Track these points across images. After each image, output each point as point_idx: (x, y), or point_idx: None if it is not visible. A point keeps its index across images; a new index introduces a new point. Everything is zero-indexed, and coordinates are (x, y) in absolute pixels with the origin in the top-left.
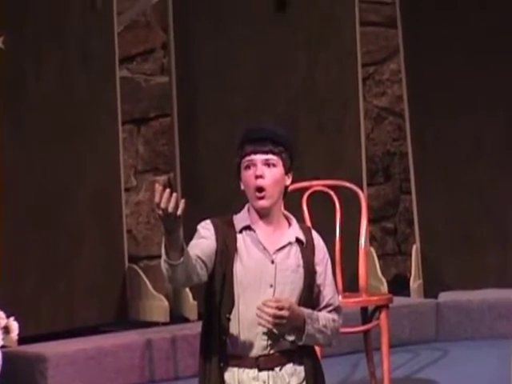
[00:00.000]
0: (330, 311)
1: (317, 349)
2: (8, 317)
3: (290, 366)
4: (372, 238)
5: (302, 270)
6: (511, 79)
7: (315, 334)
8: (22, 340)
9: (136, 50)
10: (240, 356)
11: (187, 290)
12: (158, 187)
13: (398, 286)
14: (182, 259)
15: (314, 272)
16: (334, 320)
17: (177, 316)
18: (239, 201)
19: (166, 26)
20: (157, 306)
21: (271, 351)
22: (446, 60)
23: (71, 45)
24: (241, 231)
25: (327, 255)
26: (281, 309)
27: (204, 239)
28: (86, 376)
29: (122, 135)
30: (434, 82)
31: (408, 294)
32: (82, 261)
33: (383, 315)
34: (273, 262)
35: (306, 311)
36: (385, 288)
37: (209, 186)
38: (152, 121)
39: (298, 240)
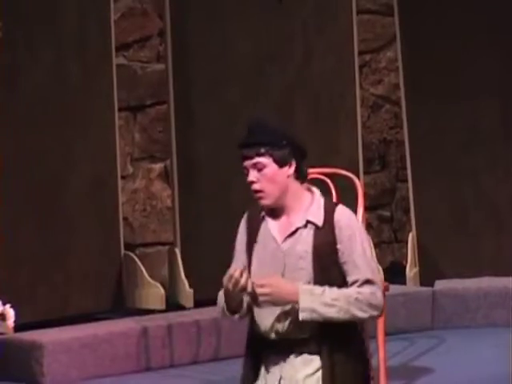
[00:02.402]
0: (359, 286)
1: None
2: (4, 304)
3: (303, 355)
4: (368, 226)
5: (309, 256)
6: (506, 66)
7: (318, 308)
8: (18, 327)
9: (132, 37)
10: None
11: (183, 277)
12: (235, 274)
13: (395, 273)
14: (240, 314)
15: (334, 251)
16: (358, 292)
17: (173, 303)
18: (235, 188)
19: (163, 14)
20: (153, 293)
21: (286, 337)
22: (443, 48)
23: (67, 32)
24: (263, 219)
25: (357, 231)
26: (261, 286)
27: (239, 246)
28: (81, 363)
29: (118, 123)
30: (430, 70)
31: (404, 282)
32: (78, 248)
33: None
34: (282, 251)
35: (306, 287)
36: (381, 276)
37: (205, 173)
38: (148, 108)
39: (310, 222)
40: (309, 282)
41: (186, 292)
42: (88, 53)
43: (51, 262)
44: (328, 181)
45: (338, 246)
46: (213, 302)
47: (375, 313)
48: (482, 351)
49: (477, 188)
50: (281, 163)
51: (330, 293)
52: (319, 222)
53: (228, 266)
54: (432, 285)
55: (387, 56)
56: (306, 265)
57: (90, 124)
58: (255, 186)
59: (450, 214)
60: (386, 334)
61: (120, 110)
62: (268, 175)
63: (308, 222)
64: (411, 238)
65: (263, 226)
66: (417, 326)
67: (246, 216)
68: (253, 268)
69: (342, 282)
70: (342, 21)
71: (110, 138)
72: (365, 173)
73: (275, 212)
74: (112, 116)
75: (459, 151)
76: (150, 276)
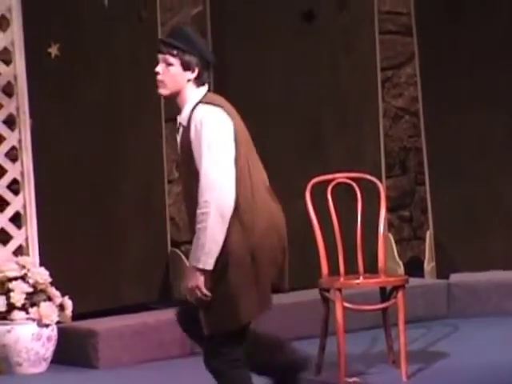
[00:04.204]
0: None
1: None
2: (63, 296)
3: None
4: (390, 225)
5: (179, 151)
6: None
7: (201, 256)
8: (75, 316)
9: None
10: None
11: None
12: None
13: (414, 268)
14: None
15: (190, 148)
16: (199, 229)
17: None
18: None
19: (205, 35)
20: None
21: None
22: (456, 65)
23: (120, 52)
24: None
25: (205, 129)
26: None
27: None
28: (132, 349)
29: (165, 132)
30: (445, 84)
31: (422, 275)
32: (129, 245)
33: (400, 294)
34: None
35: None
36: (401, 270)
37: None
38: None
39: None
40: (181, 173)
41: None
42: (139, 69)
43: (105, 258)
44: (354, 184)
45: (192, 143)
46: None
47: (215, 201)
48: (492, 338)
49: (488, 190)
50: (185, 67)
51: (193, 249)
52: (184, 121)
53: None
54: (447, 278)
55: (407, 72)
56: (179, 158)
57: (140, 134)
58: (159, 77)
59: (463, 214)
60: (406, 322)
61: (166, 121)
62: (171, 72)
63: (179, 123)
64: (429, 235)
65: None
66: (434, 315)
67: None
68: None
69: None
70: (365, 40)
71: (157, 147)
72: (387, 177)
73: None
74: (160, 126)
75: (472, 157)
76: None
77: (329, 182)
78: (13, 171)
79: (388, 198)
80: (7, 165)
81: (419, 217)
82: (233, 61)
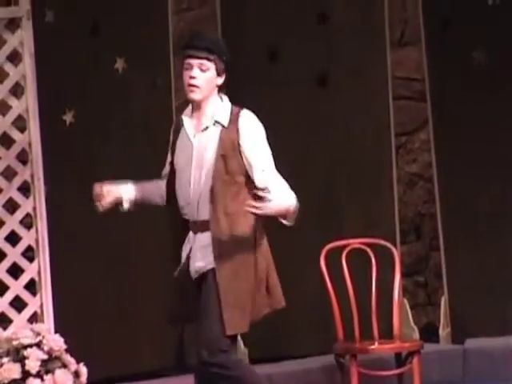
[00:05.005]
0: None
1: None
2: (78, 362)
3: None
4: (405, 291)
5: (213, 148)
6: None
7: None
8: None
9: None
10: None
11: (239, 337)
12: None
13: (429, 333)
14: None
15: (236, 146)
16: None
17: None
18: None
19: None
20: None
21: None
22: (470, 131)
23: (134, 117)
24: (181, 121)
25: (257, 132)
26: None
27: (170, 147)
28: None
29: None
30: (459, 149)
31: (437, 341)
32: (144, 312)
33: (415, 360)
34: (192, 144)
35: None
36: (416, 335)
37: None
38: None
39: (217, 122)
40: (208, 169)
41: (241, 351)
42: (153, 135)
43: (120, 324)
44: (368, 250)
45: (240, 142)
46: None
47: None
48: None
49: (502, 256)
50: (218, 73)
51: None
52: (225, 122)
53: None
54: (463, 343)
55: (421, 138)
56: (210, 155)
57: None
58: (194, 81)
59: (478, 279)
60: None
61: None
62: (207, 77)
63: (216, 121)
64: (443, 301)
65: (182, 126)
66: (449, 381)
67: (174, 123)
68: (175, 159)
69: (238, 169)
70: (380, 106)
71: (172, 214)
72: (401, 243)
73: (192, 113)
74: None
75: (486, 223)
76: None
77: (343, 247)
78: (27, 238)
79: (403, 263)
80: (22, 232)
81: (434, 282)
82: None
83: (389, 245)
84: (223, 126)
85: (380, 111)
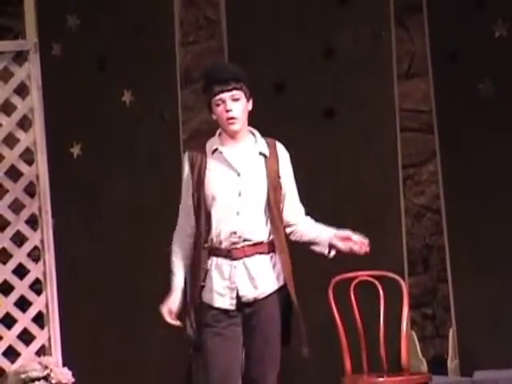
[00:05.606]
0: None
1: None
2: None
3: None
4: (413, 323)
5: (263, 180)
6: None
7: None
8: None
9: None
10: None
11: None
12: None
13: (437, 365)
14: None
15: (278, 177)
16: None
17: None
18: None
19: None
20: None
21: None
22: (478, 163)
23: (142, 150)
24: (215, 151)
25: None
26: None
27: (185, 194)
28: None
29: None
30: (467, 181)
31: (446, 373)
32: (152, 345)
33: None
34: (238, 176)
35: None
36: (425, 368)
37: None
38: None
39: (261, 153)
40: (257, 201)
41: None
42: (159, 167)
43: (128, 358)
44: (376, 282)
45: (281, 173)
46: None
47: None
48: None
49: (510, 288)
50: (247, 98)
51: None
52: (267, 152)
53: None
54: (471, 375)
55: (428, 169)
56: (260, 187)
57: (164, 233)
58: (232, 114)
59: (486, 311)
60: None
61: None
62: (242, 105)
63: (260, 153)
64: (451, 333)
65: (216, 156)
66: None
67: (187, 157)
68: (212, 193)
69: (280, 199)
70: (387, 138)
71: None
72: (409, 274)
73: (227, 142)
74: None
75: (495, 255)
76: None
77: (351, 279)
78: (35, 271)
79: (411, 295)
80: (29, 265)
81: (442, 314)
82: None
83: (397, 277)
84: (265, 157)
85: (387, 143)
